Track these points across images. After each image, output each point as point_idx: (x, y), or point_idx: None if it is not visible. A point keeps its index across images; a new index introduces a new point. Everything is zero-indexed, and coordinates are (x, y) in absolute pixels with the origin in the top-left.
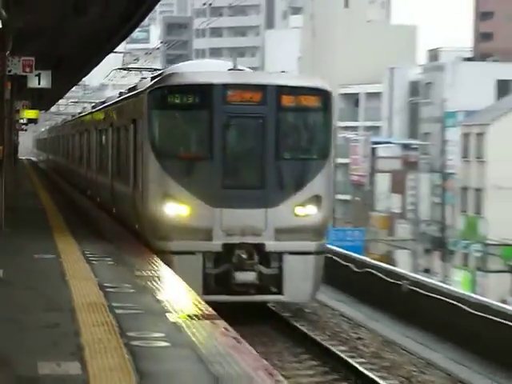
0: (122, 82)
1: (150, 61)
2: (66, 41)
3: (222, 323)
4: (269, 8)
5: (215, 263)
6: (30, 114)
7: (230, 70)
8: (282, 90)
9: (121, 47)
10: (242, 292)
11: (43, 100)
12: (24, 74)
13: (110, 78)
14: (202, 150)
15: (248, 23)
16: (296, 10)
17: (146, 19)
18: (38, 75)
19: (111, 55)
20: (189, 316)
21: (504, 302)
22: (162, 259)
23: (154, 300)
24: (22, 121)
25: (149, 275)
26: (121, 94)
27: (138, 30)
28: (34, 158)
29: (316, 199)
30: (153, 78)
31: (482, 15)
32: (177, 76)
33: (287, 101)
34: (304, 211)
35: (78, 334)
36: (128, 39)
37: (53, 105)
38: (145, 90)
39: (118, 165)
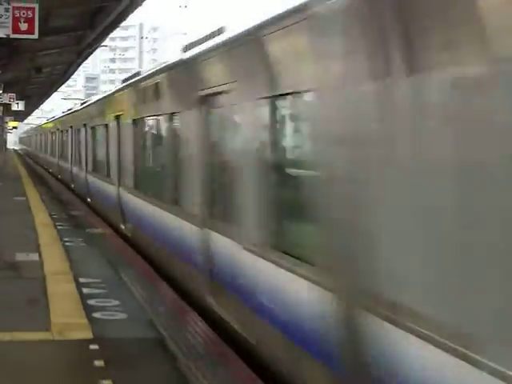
0: (63, 106)
1: (77, 96)
2: (32, 85)
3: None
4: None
5: None
6: (13, 124)
7: None
8: None
9: (61, 89)
10: None
11: (20, 116)
12: (9, 102)
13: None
14: None
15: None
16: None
17: (75, 73)
18: (17, 103)
19: (55, 93)
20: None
21: None
22: None
23: (81, 221)
24: (8, 127)
25: (80, 212)
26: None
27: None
28: (16, 148)
29: None
30: None
31: None
32: None
33: None
34: None
35: (37, 239)
36: (65, 84)
37: (25, 119)
38: None
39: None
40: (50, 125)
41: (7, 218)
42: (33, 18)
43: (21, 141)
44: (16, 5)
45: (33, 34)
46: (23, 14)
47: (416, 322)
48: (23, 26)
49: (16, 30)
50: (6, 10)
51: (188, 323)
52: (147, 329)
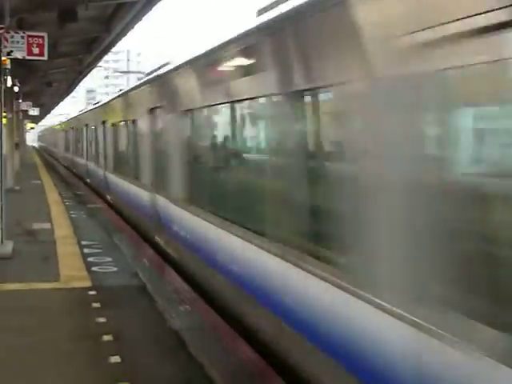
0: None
1: (76, 105)
2: (45, 95)
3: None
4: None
5: None
6: (30, 125)
7: None
8: None
9: (66, 99)
10: None
11: (36, 119)
12: (27, 109)
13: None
14: None
15: None
16: None
17: (77, 87)
18: (33, 109)
19: (61, 102)
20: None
21: None
22: None
23: (83, 199)
24: (27, 128)
25: (82, 192)
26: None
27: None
28: (34, 145)
29: None
30: None
31: None
32: None
33: None
34: None
35: (49, 212)
36: (70, 95)
37: (40, 121)
38: None
39: None
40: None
41: (27, 196)
42: (43, 44)
43: (39, 138)
44: (29, 33)
45: (43, 56)
46: (35, 40)
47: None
48: (35, 50)
49: (30, 53)
50: (22, 37)
51: (164, 274)
52: (133, 278)
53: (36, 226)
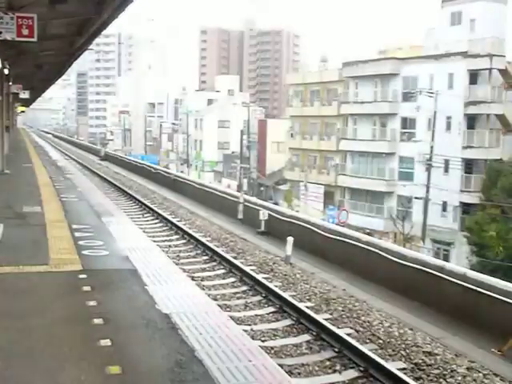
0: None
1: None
2: (35, 78)
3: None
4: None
5: None
6: (21, 108)
7: None
8: None
9: (57, 82)
10: None
11: (26, 102)
12: (17, 92)
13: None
14: None
15: (111, 81)
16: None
17: (68, 70)
18: (24, 92)
19: (52, 86)
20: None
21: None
22: None
23: (74, 182)
24: (17, 111)
25: (74, 174)
26: None
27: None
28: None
29: None
30: None
31: None
32: None
33: None
34: None
35: (40, 195)
36: (61, 78)
37: (31, 105)
38: None
39: None
40: None
41: (17, 178)
42: (32, 25)
43: None
44: (19, 14)
45: (33, 37)
46: (25, 21)
47: None
48: (25, 31)
49: (19, 34)
50: (12, 18)
51: (154, 258)
52: (123, 262)
53: (26, 209)
